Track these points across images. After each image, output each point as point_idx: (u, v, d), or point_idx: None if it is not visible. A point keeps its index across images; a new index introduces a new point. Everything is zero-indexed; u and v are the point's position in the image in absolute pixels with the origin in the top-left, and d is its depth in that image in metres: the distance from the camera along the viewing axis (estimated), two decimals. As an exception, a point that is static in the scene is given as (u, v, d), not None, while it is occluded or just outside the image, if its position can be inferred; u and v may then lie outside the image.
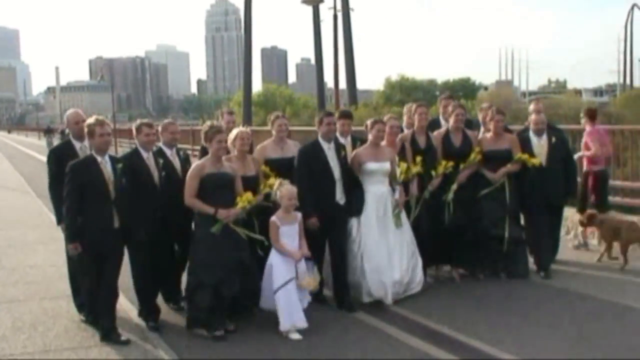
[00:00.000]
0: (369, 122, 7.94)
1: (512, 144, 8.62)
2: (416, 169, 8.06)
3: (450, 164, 8.29)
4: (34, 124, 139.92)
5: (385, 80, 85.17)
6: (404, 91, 79.86)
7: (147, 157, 7.08)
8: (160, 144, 7.54)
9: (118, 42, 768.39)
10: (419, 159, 8.12)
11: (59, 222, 6.92)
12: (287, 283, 6.73)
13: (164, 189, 7.03)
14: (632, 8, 79.05)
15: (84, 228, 6.43)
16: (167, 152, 7.42)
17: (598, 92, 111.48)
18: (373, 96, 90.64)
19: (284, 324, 6.69)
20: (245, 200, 6.76)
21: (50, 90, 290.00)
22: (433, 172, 8.23)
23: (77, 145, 7.29)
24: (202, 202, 6.66)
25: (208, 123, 7.19)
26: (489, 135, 8.71)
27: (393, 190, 7.82)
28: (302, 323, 6.73)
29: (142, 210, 6.74)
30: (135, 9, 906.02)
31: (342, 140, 7.95)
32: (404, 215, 7.87)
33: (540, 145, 8.69)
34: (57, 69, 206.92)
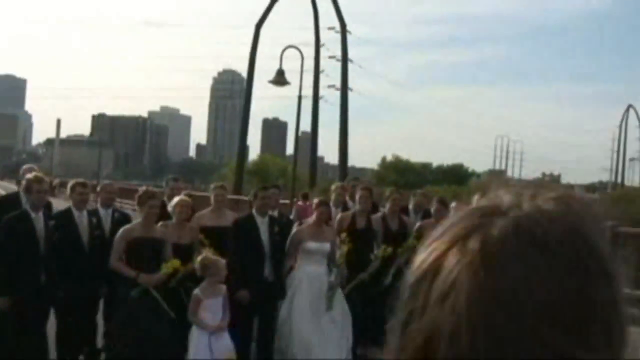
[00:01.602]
0: (315, 200, 8.02)
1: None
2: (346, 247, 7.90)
3: (389, 248, 8.15)
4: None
5: (381, 160, 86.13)
6: (398, 172, 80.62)
7: (79, 215, 7.15)
8: (98, 205, 7.72)
9: (122, 100, 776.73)
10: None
11: None
12: None
13: (93, 248, 7.07)
14: (628, 109, 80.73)
15: (12, 282, 6.39)
16: (102, 212, 7.52)
17: (591, 188, 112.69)
18: (367, 175, 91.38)
19: None
20: (170, 266, 6.73)
21: (49, 141, 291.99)
22: (372, 256, 8.15)
23: (23, 199, 7.26)
24: (126, 265, 6.68)
25: (143, 188, 7.41)
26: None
27: (330, 271, 7.65)
28: None
29: (66, 268, 6.75)
30: (142, 68, 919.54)
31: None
32: (339, 294, 7.64)
33: None
34: (58, 121, 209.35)
